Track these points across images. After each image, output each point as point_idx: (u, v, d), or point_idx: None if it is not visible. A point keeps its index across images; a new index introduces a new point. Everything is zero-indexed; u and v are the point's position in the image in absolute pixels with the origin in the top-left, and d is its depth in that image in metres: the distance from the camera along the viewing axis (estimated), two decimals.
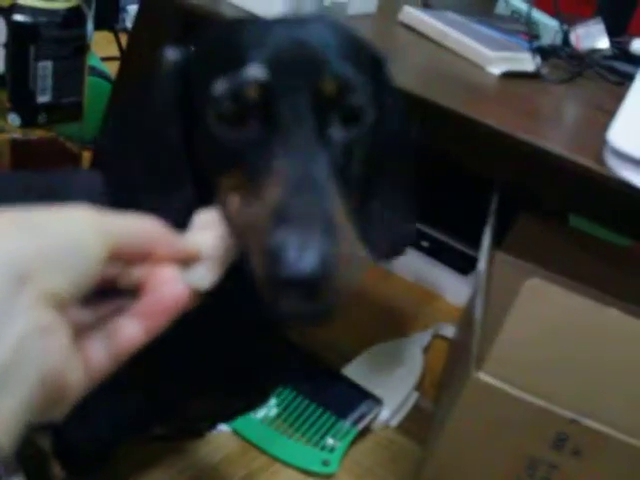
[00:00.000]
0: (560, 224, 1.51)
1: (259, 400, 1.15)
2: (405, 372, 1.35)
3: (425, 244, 1.69)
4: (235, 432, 1.17)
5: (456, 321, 1.52)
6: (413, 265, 1.65)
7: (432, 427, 1.23)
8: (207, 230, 0.52)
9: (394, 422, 1.27)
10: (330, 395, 1.24)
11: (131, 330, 0.44)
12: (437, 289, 1.64)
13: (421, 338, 1.44)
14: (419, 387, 1.36)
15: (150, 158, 0.65)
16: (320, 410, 1.22)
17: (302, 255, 0.45)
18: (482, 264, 1.17)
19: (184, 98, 0.62)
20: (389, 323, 1.50)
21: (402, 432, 1.27)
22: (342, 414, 1.21)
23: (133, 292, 0.46)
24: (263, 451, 1.16)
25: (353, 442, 1.21)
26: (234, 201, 0.55)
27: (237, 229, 0.53)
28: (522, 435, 1.07)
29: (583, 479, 1.07)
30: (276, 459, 1.15)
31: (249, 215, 0.52)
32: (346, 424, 1.21)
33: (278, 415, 1.20)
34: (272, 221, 0.48)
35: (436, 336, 1.48)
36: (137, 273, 0.45)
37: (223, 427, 1.17)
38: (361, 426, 1.21)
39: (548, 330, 1.02)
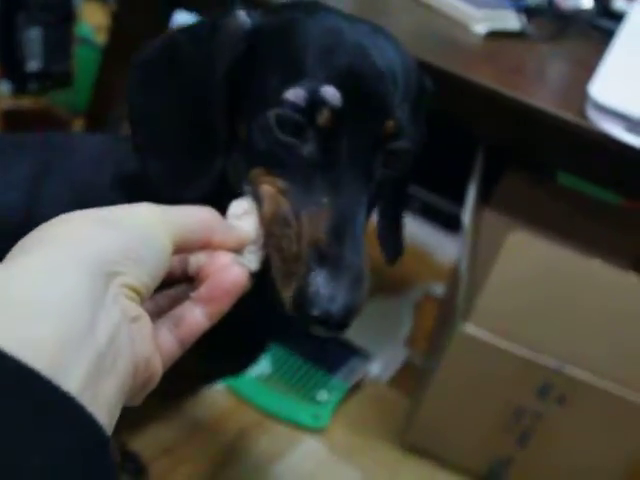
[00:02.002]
0: (548, 182, 1.52)
1: (254, 357, 1.18)
2: (395, 329, 1.38)
3: (415, 205, 1.71)
4: (229, 389, 1.20)
5: (446, 279, 1.54)
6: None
7: (421, 381, 1.26)
8: (246, 216, 0.53)
9: (384, 377, 1.30)
10: (321, 352, 1.27)
11: (197, 316, 0.45)
12: (427, 249, 1.66)
13: (410, 296, 1.47)
14: (409, 344, 1.38)
15: (187, 121, 0.63)
16: (311, 367, 1.24)
17: (334, 303, 0.49)
18: (466, 219, 1.19)
19: (240, 69, 0.60)
20: (379, 283, 1.52)
21: (392, 387, 1.30)
22: (333, 370, 1.24)
23: (190, 281, 0.48)
24: (256, 407, 1.18)
25: (344, 397, 1.24)
26: (272, 206, 0.55)
27: (270, 236, 0.54)
28: (508, 385, 1.09)
29: (567, 426, 1.10)
30: (269, 414, 1.18)
31: (287, 235, 0.53)
32: (337, 379, 1.23)
33: (272, 373, 1.23)
34: (312, 257, 0.51)
35: (426, 294, 1.51)
36: (195, 262, 0.47)
37: (218, 384, 1.19)
38: (352, 381, 1.24)
39: (532, 282, 1.04)
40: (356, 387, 1.27)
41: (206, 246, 0.46)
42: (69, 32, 1.45)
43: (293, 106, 0.55)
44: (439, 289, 1.51)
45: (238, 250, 0.49)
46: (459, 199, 1.66)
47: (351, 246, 0.52)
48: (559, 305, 1.04)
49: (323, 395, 1.21)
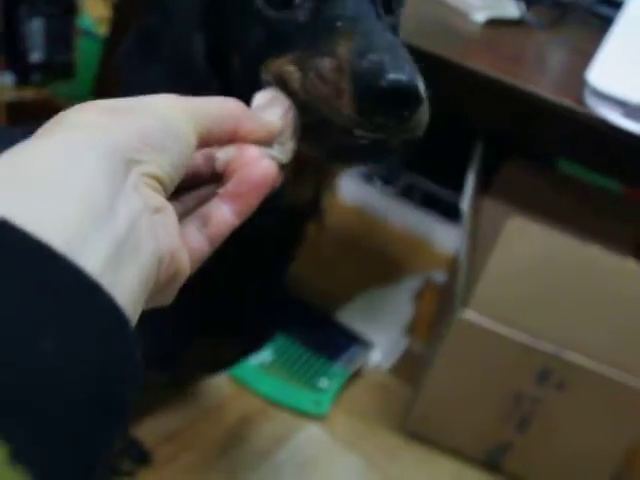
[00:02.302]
0: (548, 170, 1.53)
1: (257, 346, 1.19)
2: (396, 317, 1.39)
3: (416, 194, 1.71)
4: (232, 377, 1.21)
5: (446, 268, 1.55)
6: (404, 215, 1.67)
7: (421, 369, 1.27)
8: (271, 107, 0.50)
9: (385, 365, 1.31)
10: (322, 340, 1.28)
11: (225, 213, 0.43)
12: (428, 238, 1.66)
13: (411, 284, 1.48)
14: (411, 332, 1.39)
15: (174, 69, 0.62)
16: (313, 354, 1.25)
17: (400, 67, 0.46)
18: (466, 207, 1.19)
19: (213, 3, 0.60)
20: (380, 271, 1.53)
21: (393, 374, 1.31)
22: (334, 357, 1.25)
23: (217, 179, 0.45)
24: (258, 394, 1.19)
25: (346, 385, 1.25)
26: (294, 75, 0.53)
27: (309, 95, 0.51)
28: (507, 371, 1.10)
29: (566, 412, 1.11)
30: (270, 401, 1.19)
31: (323, 75, 0.50)
32: (338, 367, 1.24)
33: (273, 361, 1.24)
34: (357, 56, 0.47)
35: (427, 283, 1.51)
36: (222, 157, 0.45)
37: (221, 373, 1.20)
38: (352, 368, 1.25)
39: (530, 267, 1.05)
40: (357, 375, 1.27)
41: (233, 139, 0.44)
42: (71, 24, 1.46)
43: None
44: (440, 277, 1.52)
45: (267, 143, 0.46)
46: (459, 188, 1.67)
47: (389, 37, 0.50)
48: (558, 291, 1.05)
49: (324, 382, 1.22)
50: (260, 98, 0.51)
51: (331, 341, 1.28)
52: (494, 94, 1.13)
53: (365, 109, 0.46)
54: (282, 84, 0.53)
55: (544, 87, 1.10)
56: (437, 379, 1.15)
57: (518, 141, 1.40)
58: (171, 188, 0.38)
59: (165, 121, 0.38)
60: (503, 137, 1.38)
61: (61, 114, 0.36)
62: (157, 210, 0.36)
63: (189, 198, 0.45)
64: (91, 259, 0.30)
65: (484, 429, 1.16)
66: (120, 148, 0.34)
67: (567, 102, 1.06)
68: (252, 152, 0.44)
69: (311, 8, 0.54)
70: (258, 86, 0.54)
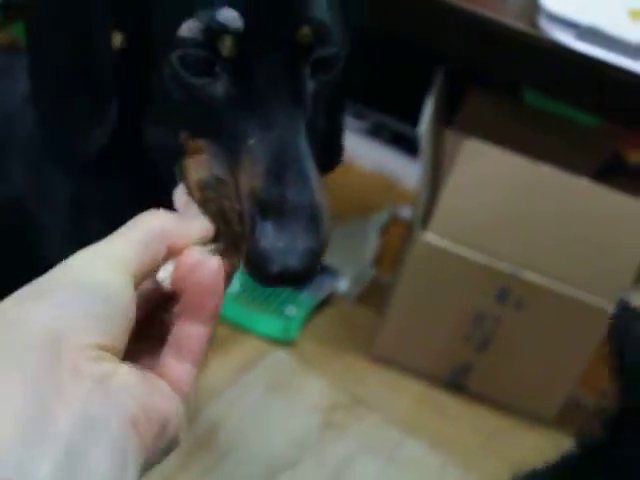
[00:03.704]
0: (513, 102, 1.53)
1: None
2: (363, 249, 1.41)
3: (384, 133, 1.73)
4: None
5: (412, 202, 1.57)
6: (372, 154, 1.69)
7: (387, 296, 1.30)
8: (192, 204, 0.48)
9: (352, 294, 1.34)
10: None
11: (193, 330, 0.40)
12: (396, 175, 1.69)
13: (378, 219, 1.50)
14: (377, 264, 1.42)
15: (69, 67, 0.57)
16: None
17: (291, 255, 0.45)
18: (423, 131, 1.21)
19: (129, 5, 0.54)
20: (348, 208, 1.55)
21: (360, 303, 1.34)
22: (301, 286, 1.28)
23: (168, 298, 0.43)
24: (227, 322, 1.22)
25: (313, 312, 1.28)
26: (197, 172, 0.50)
27: (209, 209, 0.48)
28: (467, 291, 1.14)
29: (525, 330, 1.15)
30: (239, 328, 1.22)
31: (225, 194, 0.48)
32: (305, 295, 1.27)
33: (242, 291, 1.27)
34: (256, 213, 0.46)
35: (393, 217, 1.54)
36: (163, 277, 0.42)
37: None
38: (320, 297, 1.28)
39: (488, 189, 1.07)
40: (325, 303, 1.30)
41: (172, 254, 0.41)
42: None
43: (192, 42, 0.49)
44: (406, 212, 1.54)
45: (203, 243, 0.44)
46: None
47: (296, 183, 0.47)
48: (515, 211, 1.08)
49: (292, 310, 1.24)
50: (179, 197, 0.49)
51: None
52: (454, 21, 1.15)
53: (256, 280, 0.46)
54: (184, 177, 0.51)
55: (499, 11, 1.11)
56: (400, 302, 1.18)
57: (480, 71, 1.41)
58: (122, 344, 0.36)
59: (99, 289, 0.36)
60: (465, 68, 1.39)
61: None
62: (106, 377, 0.34)
63: (153, 330, 0.42)
64: (43, 473, 0.29)
65: (447, 350, 1.20)
66: (52, 335, 0.33)
67: (523, 26, 1.08)
68: (190, 258, 0.42)
69: (228, 84, 0.50)
70: (169, 152, 0.53)
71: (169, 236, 0.41)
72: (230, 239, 0.46)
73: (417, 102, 1.63)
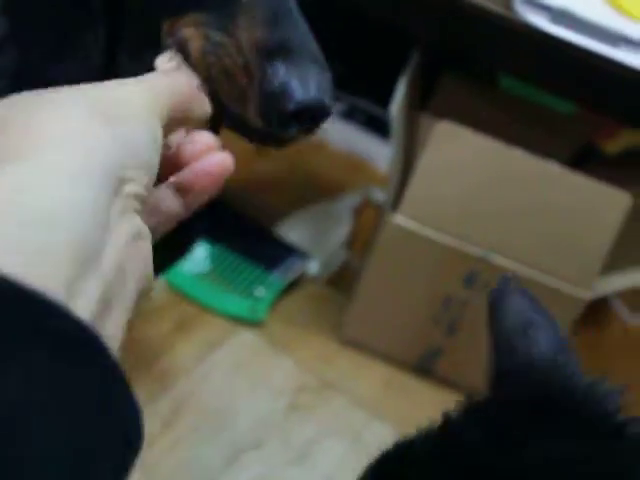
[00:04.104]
0: (489, 87, 1.53)
1: (180, 253, 1.20)
2: (334, 231, 1.41)
3: (358, 116, 1.72)
4: (168, 284, 1.22)
5: (385, 185, 1.57)
6: (346, 136, 1.68)
7: (357, 279, 1.29)
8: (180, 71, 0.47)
9: (322, 276, 1.33)
10: (260, 251, 1.30)
11: (173, 205, 0.41)
12: (369, 158, 1.68)
13: (351, 201, 1.49)
14: (349, 246, 1.41)
15: None
16: (250, 264, 1.27)
17: (307, 87, 0.44)
18: (394, 112, 1.20)
19: None
20: (321, 190, 1.54)
21: (330, 285, 1.33)
22: (270, 267, 1.27)
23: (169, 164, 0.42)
24: (195, 301, 1.21)
25: (282, 294, 1.27)
26: (195, 42, 0.49)
27: (209, 73, 0.48)
28: (436, 275, 1.13)
29: None
30: (207, 308, 1.21)
31: (227, 52, 0.48)
32: (274, 276, 1.26)
33: (210, 270, 1.25)
34: (263, 58, 0.46)
35: (365, 199, 1.53)
36: (172, 142, 0.42)
37: (156, 280, 1.22)
38: (289, 278, 1.27)
39: (459, 172, 1.07)
40: (294, 285, 1.30)
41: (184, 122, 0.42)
42: None
43: None
44: (378, 194, 1.54)
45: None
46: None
47: (295, 27, 0.48)
48: (485, 195, 1.07)
49: (260, 291, 1.24)
50: (163, 62, 0.48)
51: (268, 252, 1.30)
52: (428, 3, 1.14)
53: (272, 124, 0.46)
54: (182, 52, 0.50)
55: None
56: (369, 284, 1.18)
57: (455, 54, 1.41)
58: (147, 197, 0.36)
59: (152, 134, 0.36)
60: (440, 51, 1.38)
61: (35, 119, 0.32)
62: (138, 236, 0.34)
63: None
64: (82, 305, 0.29)
65: (415, 334, 1.20)
66: (115, 169, 0.32)
67: (497, 8, 1.07)
68: (206, 139, 0.42)
69: None
70: (154, 39, 0.52)
71: (189, 104, 0.41)
72: (237, 94, 0.46)
73: (391, 85, 1.63)
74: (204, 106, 0.44)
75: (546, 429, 0.39)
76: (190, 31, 0.49)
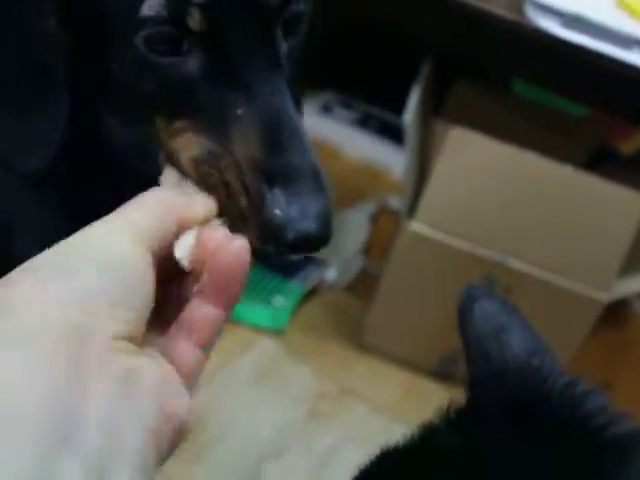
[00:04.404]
0: (503, 92, 1.53)
1: None
2: (351, 239, 1.41)
3: (373, 124, 1.73)
4: None
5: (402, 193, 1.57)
6: (361, 144, 1.69)
7: (375, 286, 1.30)
8: (185, 185, 0.46)
9: (341, 283, 1.34)
10: (277, 259, 1.30)
11: (209, 313, 0.38)
12: (385, 166, 1.68)
13: (367, 207, 1.50)
14: (367, 254, 1.42)
15: (21, 60, 0.52)
16: (268, 273, 1.28)
17: (306, 219, 0.44)
18: (408, 120, 1.20)
19: None
20: (337, 198, 1.55)
21: (348, 292, 1.34)
22: (289, 275, 1.28)
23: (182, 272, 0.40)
24: None
25: (301, 302, 1.28)
26: (187, 151, 0.48)
27: (210, 183, 0.47)
28: (454, 280, 1.13)
29: None
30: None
31: (224, 166, 0.46)
32: (293, 285, 1.27)
33: None
34: (261, 182, 0.44)
35: (382, 207, 1.54)
36: (183, 255, 0.40)
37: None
38: (308, 287, 1.28)
39: (474, 177, 1.08)
40: (313, 293, 1.30)
41: (182, 227, 0.39)
42: None
43: (157, 20, 0.46)
44: (395, 202, 1.54)
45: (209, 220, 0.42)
46: None
47: (294, 147, 0.46)
48: (501, 199, 1.08)
49: (279, 300, 1.24)
50: (168, 178, 0.47)
51: (287, 261, 1.31)
52: (440, 10, 1.15)
53: (270, 250, 0.44)
54: (171, 162, 0.49)
55: (487, 0, 1.11)
56: (388, 291, 1.18)
57: (467, 60, 1.41)
58: (143, 327, 0.34)
59: (122, 270, 0.33)
60: (453, 57, 1.39)
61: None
62: (131, 377, 0.31)
63: (164, 305, 0.39)
64: None
65: (434, 339, 1.20)
66: (78, 325, 0.30)
67: (509, 15, 1.08)
68: (214, 236, 0.39)
69: (202, 59, 0.47)
70: (139, 143, 0.52)
71: (178, 210, 0.39)
72: (236, 213, 0.45)
73: (406, 92, 1.63)
74: (206, 205, 0.42)
75: (522, 434, 0.38)
76: (182, 140, 0.48)
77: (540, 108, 1.46)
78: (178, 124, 0.49)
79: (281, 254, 0.45)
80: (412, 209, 1.11)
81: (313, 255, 1.22)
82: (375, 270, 1.38)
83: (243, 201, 0.45)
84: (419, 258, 1.13)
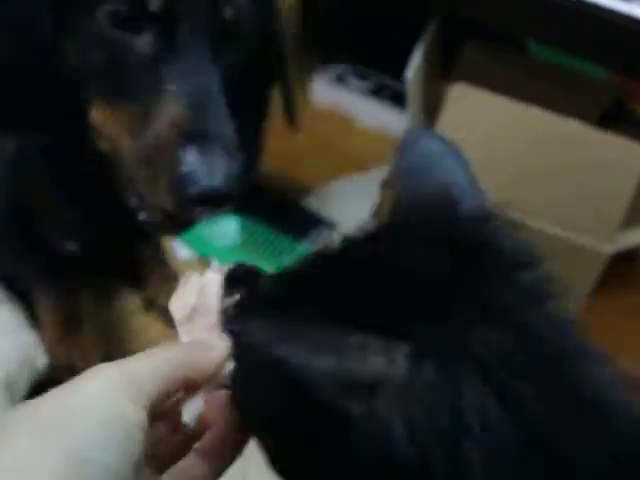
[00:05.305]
0: (516, 55, 1.51)
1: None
2: (362, 203, 1.42)
3: (386, 93, 1.74)
4: (199, 258, 1.26)
5: None
6: (374, 114, 1.70)
7: None
8: (198, 315, 0.46)
9: None
10: (288, 222, 1.33)
11: (204, 474, 0.39)
12: (398, 134, 1.69)
13: (379, 173, 1.51)
14: (376, 217, 1.43)
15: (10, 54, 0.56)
16: (278, 235, 1.30)
17: (212, 175, 0.50)
18: (409, 76, 1.20)
19: None
20: (350, 166, 1.56)
21: None
22: (299, 237, 1.30)
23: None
24: None
25: None
26: (126, 124, 0.54)
27: (137, 154, 0.53)
28: None
29: None
30: None
31: (150, 137, 0.52)
32: (303, 246, 1.29)
33: (240, 242, 1.29)
34: (180, 142, 0.51)
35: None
36: (190, 417, 0.41)
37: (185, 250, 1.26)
38: (317, 247, 1.30)
39: (476, 132, 1.08)
40: None
41: (189, 386, 0.39)
42: None
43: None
44: None
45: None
46: None
47: (215, 117, 0.53)
48: (504, 154, 1.08)
49: (289, 260, 1.26)
50: (179, 310, 0.47)
51: (296, 223, 1.33)
52: None
53: (178, 206, 0.51)
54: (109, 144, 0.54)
55: None
56: None
57: (477, 24, 1.41)
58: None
59: (103, 427, 0.32)
60: (462, 20, 1.39)
61: None
62: None
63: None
64: None
65: None
66: None
67: None
68: (221, 402, 0.40)
69: (153, 38, 0.53)
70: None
71: (186, 369, 0.38)
72: (150, 177, 0.51)
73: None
74: (216, 359, 0.41)
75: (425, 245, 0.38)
76: (120, 124, 0.53)
77: (556, 71, 1.44)
78: (116, 107, 0.54)
79: (188, 209, 0.51)
80: None
81: (323, 217, 1.23)
82: None
83: (158, 164, 0.51)
84: None
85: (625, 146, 1.05)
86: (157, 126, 0.52)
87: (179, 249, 1.27)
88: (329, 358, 0.30)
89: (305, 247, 1.29)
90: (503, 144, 1.08)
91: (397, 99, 1.74)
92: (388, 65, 1.74)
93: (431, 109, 1.32)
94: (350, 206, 1.41)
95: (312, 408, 0.31)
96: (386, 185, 1.49)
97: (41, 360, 0.90)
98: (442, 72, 1.40)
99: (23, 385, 0.89)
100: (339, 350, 0.30)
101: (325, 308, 0.34)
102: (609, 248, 1.08)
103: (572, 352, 0.35)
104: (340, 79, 1.75)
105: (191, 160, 0.50)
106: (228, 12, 0.55)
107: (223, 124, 0.53)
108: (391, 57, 1.70)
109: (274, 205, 1.37)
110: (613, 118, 1.43)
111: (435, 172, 0.42)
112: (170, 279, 1.01)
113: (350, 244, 0.38)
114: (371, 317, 0.32)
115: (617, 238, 1.09)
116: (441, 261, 0.36)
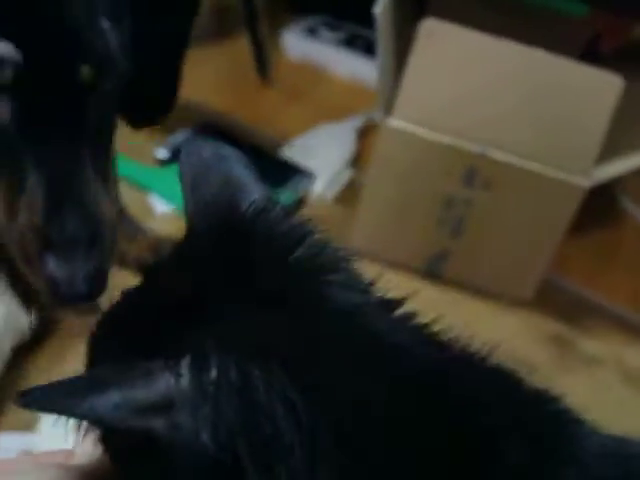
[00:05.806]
0: None
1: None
2: (339, 152, 1.42)
3: (359, 43, 1.72)
4: (177, 212, 1.25)
5: None
6: (348, 64, 1.69)
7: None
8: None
9: (329, 195, 1.35)
10: (265, 171, 1.31)
11: None
12: (372, 84, 1.68)
13: (354, 122, 1.50)
14: (355, 167, 1.43)
15: None
16: None
17: (72, 282, 0.50)
18: (377, 12, 1.18)
19: None
20: (325, 116, 1.55)
21: (337, 204, 1.35)
22: (277, 186, 1.29)
23: None
24: None
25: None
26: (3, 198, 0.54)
27: (11, 236, 0.53)
28: (435, 175, 1.14)
29: (496, 210, 1.15)
30: None
31: (15, 233, 0.53)
32: (283, 194, 1.28)
33: None
34: (39, 246, 0.51)
35: (372, 124, 1.54)
36: None
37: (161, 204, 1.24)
38: (295, 196, 1.29)
39: (450, 68, 1.08)
40: (301, 205, 1.31)
41: None
42: None
43: None
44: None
45: None
46: None
47: (72, 215, 0.51)
48: (479, 89, 1.08)
49: None
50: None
51: (274, 172, 1.31)
52: None
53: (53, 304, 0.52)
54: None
55: None
56: (371, 194, 1.19)
57: None
58: None
59: None
60: None
61: None
62: None
63: None
64: None
65: (421, 238, 1.21)
66: None
67: None
68: None
69: (12, 110, 0.51)
70: None
71: None
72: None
73: None
74: None
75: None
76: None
77: (533, 8, 1.43)
78: None
79: (60, 306, 0.53)
80: (389, 107, 1.11)
81: (301, 166, 1.22)
82: (363, 182, 1.39)
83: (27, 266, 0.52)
84: (399, 155, 1.13)
85: (599, 77, 1.04)
86: (20, 221, 0.52)
87: (156, 203, 1.26)
88: (113, 394, 0.31)
89: (285, 196, 1.28)
90: (476, 79, 1.06)
91: (370, 49, 1.73)
92: (360, 14, 1.72)
93: (405, 54, 1.31)
94: (326, 154, 1.40)
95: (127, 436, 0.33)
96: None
97: (25, 320, 0.90)
98: (415, 16, 1.38)
99: (8, 347, 0.88)
100: (122, 383, 0.31)
101: (122, 344, 0.35)
102: (586, 182, 1.08)
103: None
104: (312, 31, 1.73)
105: (50, 266, 0.50)
106: (85, 72, 0.53)
107: (83, 218, 0.52)
108: (363, 6, 1.68)
109: (251, 156, 1.35)
110: (587, 55, 1.43)
111: (212, 174, 0.42)
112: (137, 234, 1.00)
113: (146, 274, 0.39)
114: (155, 342, 0.34)
115: (594, 172, 1.09)
116: (201, 268, 0.38)
